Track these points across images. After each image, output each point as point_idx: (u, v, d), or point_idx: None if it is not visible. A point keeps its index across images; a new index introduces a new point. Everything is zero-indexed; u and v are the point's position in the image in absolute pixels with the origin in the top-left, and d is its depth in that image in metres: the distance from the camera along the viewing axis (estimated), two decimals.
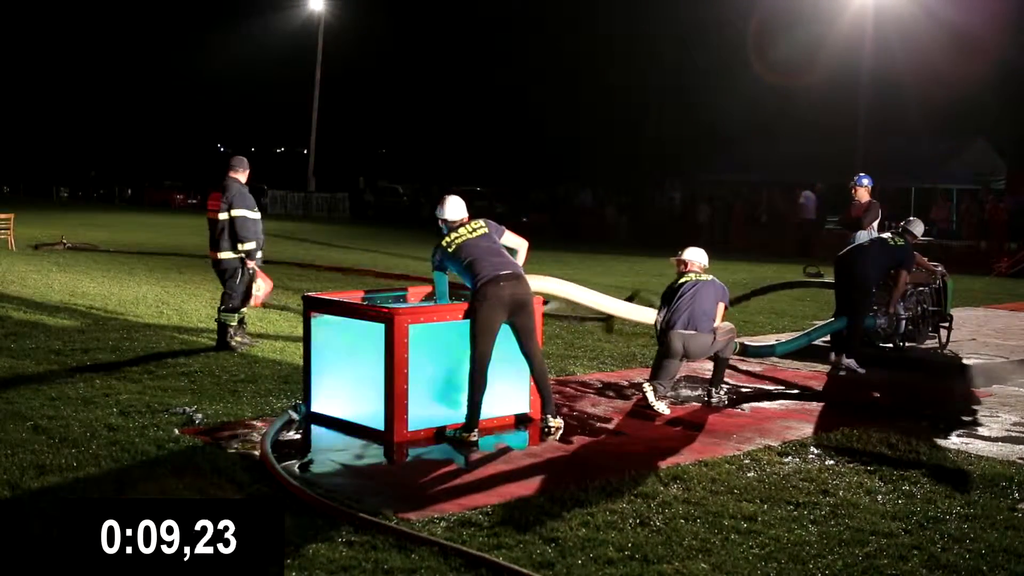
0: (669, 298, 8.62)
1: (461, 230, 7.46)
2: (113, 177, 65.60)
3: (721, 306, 8.59)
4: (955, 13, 32.87)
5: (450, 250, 7.38)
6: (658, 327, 8.67)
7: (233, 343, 10.29)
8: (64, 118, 69.99)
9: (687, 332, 8.39)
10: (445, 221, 7.59)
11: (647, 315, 9.71)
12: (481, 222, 7.57)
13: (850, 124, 32.94)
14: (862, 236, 12.22)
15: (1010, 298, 17.69)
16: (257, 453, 6.60)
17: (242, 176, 10.49)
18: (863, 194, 12.49)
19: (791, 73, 37.80)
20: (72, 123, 70.50)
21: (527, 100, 50.12)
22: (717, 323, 8.56)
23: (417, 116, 58.76)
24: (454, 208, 7.63)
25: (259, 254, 10.49)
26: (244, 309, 10.64)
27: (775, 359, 10.72)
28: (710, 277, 8.66)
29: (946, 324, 11.04)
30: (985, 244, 26.46)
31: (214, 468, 6.26)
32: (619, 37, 45.42)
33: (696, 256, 8.85)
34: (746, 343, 10.58)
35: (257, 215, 10.46)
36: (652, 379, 8.38)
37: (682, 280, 8.64)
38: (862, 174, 12.81)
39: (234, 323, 10.41)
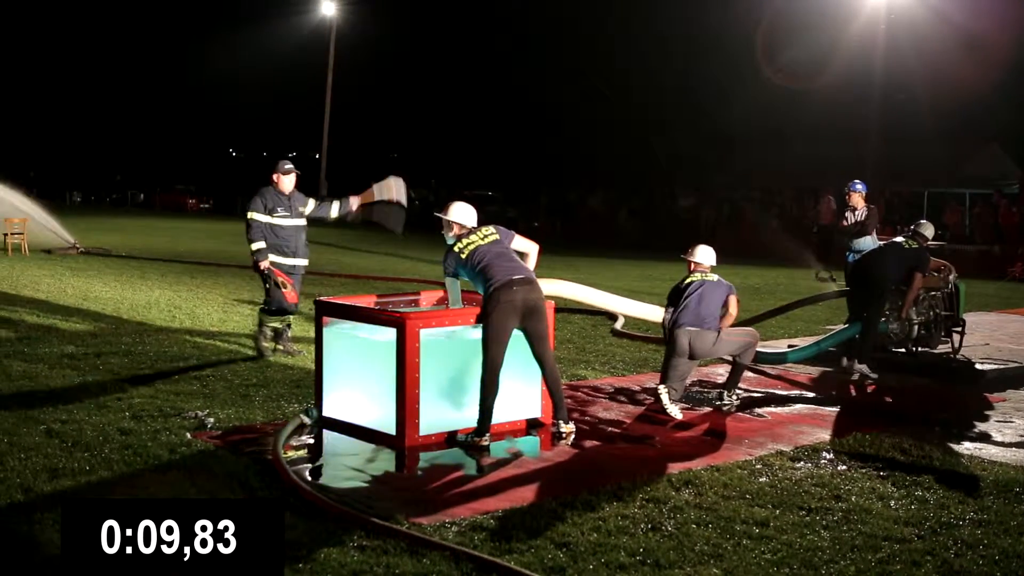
0: (676, 297, 8.62)
1: (472, 236, 7.46)
2: (126, 181, 65.87)
3: (733, 299, 8.57)
4: (967, 17, 32.77)
5: (463, 256, 7.37)
6: (666, 325, 8.68)
7: (262, 345, 10.22)
8: (76, 123, 70.30)
9: (693, 329, 8.40)
10: (457, 225, 7.56)
11: (656, 314, 9.70)
12: (492, 227, 7.57)
13: (862, 128, 32.83)
14: (867, 243, 12.18)
15: (1023, 303, 17.61)
16: (269, 457, 6.61)
17: (277, 178, 10.15)
18: (858, 200, 12.44)
19: (803, 77, 37.71)
20: (84, 128, 70.80)
21: (537, 104, 50.14)
22: (733, 311, 8.54)
23: (429, 120, 58.84)
24: (463, 213, 7.61)
25: (289, 260, 10.14)
26: (290, 316, 10.42)
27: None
28: (716, 277, 8.65)
29: (959, 328, 10.99)
30: (999, 248, 26.36)
31: (226, 472, 6.28)
32: (630, 40, 45.42)
33: (705, 257, 8.83)
34: (758, 350, 10.58)
35: (269, 219, 10.05)
36: (663, 382, 8.39)
37: (688, 280, 8.64)
38: (856, 180, 12.72)
39: (272, 324, 10.27)
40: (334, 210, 10.18)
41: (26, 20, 65.61)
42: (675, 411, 8.20)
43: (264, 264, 10.02)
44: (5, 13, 63.15)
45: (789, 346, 11.15)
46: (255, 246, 10.03)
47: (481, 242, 7.40)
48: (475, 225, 7.60)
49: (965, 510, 5.98)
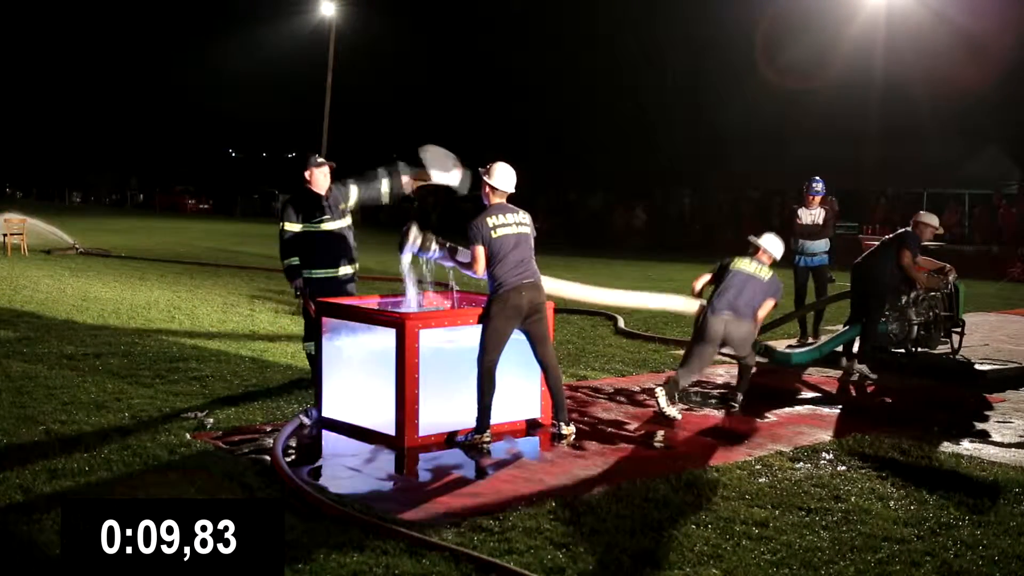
0: (720, 275, 8.55)
1: (509, 217, 7.19)
2: (142, 184, 65.97)
3: (771, 302, 8.52)
4: (967, 17, 32.76)
5: (493, 235, 7.09)
6: (701, 311, 8.50)
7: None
8: (75, 122, 70.36)
9: (729, 316, 8.33)
10: (493, 189, 7.24)
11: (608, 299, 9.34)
12: (527, 218, 7.34)
13: (862, 128, 32.81)
14: (820, 246, 12.08)
15: (1023, 303, 17.61)
16: (268, 458, 6.60)
17: (310, 174, 8.49)
18: (817, 200, 12.25)
19: (801, 77, 37.70)
20: (84, 128, 70.85)
21: (537, 105, 50.15)
22: (761, 315, 8.51)
23: (428, 121, 58.85)
24: (505, 177, 7.24)
25: (332, 270, 8.44)
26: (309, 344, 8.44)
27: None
28: (768, 275, 8.49)
29: (958, 329, 10.97)
30: (997, 249, 26.35)
31: (225, 473, 6.28)
32: (630, 41, 45.44)
33: (772, 247, 8.69)
34: (769, 345, 10.60)
35: (303, 227, 8.34)
36: (681, 366, 8.42)
37: (738, 266, 8.53)
38: (816, 178, 12.43)
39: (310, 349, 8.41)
40: (384, 188, 8.58)
41: (26, 20, 65.63)
42: (674, 412, 8.19)
43: (298, 283, 8.32)
44: (5, 13, 63.22)
45: (788, 346, 11.15)
46: (287, 263, 8.37)
47: (514, 230, 7.17)
48: (513, 191, 7.30)
49: (964, 511, 5.98)
